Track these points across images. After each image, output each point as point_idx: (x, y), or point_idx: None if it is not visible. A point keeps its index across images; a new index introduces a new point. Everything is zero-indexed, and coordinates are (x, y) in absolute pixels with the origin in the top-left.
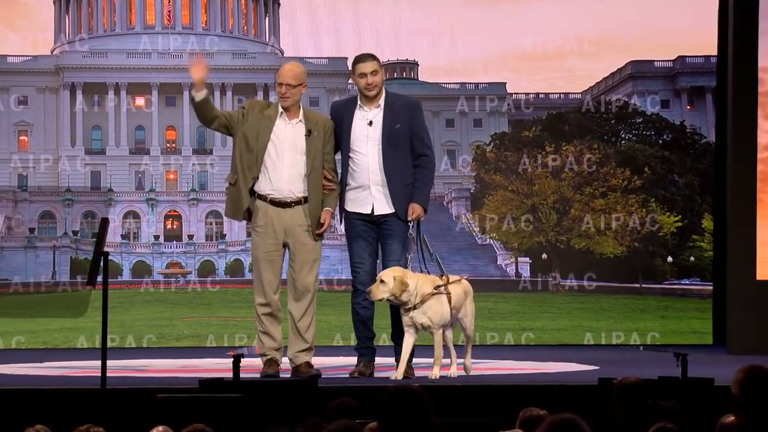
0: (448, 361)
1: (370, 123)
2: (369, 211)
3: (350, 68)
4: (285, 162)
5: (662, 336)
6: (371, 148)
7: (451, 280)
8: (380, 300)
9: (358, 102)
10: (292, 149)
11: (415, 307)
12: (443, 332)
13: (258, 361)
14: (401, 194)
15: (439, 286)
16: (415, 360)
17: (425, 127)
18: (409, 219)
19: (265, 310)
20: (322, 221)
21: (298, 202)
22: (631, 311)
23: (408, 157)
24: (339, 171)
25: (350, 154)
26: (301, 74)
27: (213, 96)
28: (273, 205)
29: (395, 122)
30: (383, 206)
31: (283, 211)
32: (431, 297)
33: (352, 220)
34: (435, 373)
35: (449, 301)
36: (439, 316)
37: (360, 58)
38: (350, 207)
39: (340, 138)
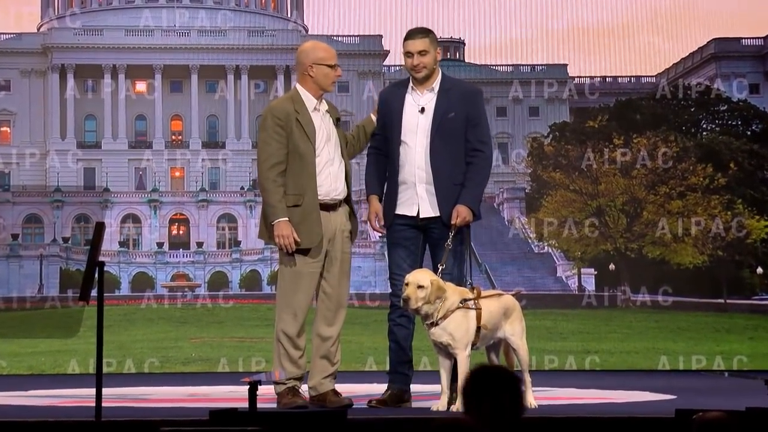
0: None
1: (422, 110)
2: (414, 213)
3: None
4: (329, 158)
5: (751, 360)
6: (420, 140)
7: (485, 294)
8: (417, 309)
9: (410, 84)
10: (330, 143)
11: (437, 323)
12: (491, 356)
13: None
14: (449, 195)
15: (466, 300)
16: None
17: (485, 119)
18: (453, 223)
19: (295, 341)
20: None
21: (340, 204)
22: (714, 331)
23: (461, 152)
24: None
25: (399, 147)
26: None
27: (226, 80)
28: (321, 209)
29: (449, 110)
30: (429, 208)
31: (328, 214)
32: (455, 311)
33: (395, 224)
34: (459, 405)
35: (478, 318)
36: (463, 333)
37: (409, 34)
38: (391, 208)
39: (390, 127)
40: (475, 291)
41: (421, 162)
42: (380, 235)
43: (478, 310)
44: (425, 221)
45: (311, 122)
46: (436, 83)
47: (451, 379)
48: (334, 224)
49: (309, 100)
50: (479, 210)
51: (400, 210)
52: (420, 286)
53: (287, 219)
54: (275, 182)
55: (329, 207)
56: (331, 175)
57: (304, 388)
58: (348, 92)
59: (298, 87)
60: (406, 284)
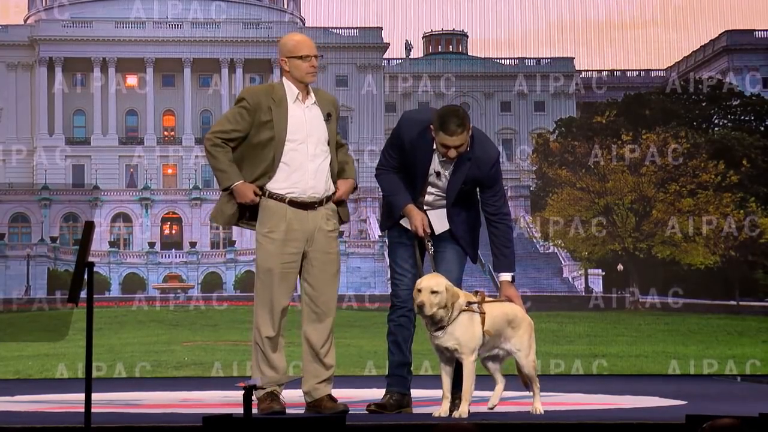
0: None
1: (438, 174)
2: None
3: (432, 127)
4: (307, 154)
5: (764, 364)
6: (432, 191)
7: (489, 299)
8: (432, 315)
9: (434, 146)
10: (312, 138)
11: (444, 327)
12: (488, 364)
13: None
14: (463, 231)
15: (471, 303)
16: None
17: (500, 182)
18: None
19: (272, 343)
20: (336, 190)
21: (320, 203)
22: (726, 334)
23: (472, 207)
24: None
25: (412, 187)
26: None
27: (220, 74)
28: (293, 207)
29: (465, 182)
30: (439, 226)
31: (306, 213)
32: (461, 315)
33: (398, 224)
34: (463, 410)
35: (482, 323)
36: (469, 338)
37: (446, 127)
38: (396, 217)
39: (412, 170)
40: (479, 295)
41: (430, 203)
42: (380, 235)
43: (482, 314)
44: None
45: (285, 114)
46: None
47: (453, 385)
48: (312, 224)
49: (291, 91)
50: (515, 269)
51: (406, 223)
52: (434, 292)
53: (243, 180)
54: (218, 146)
55: (306, 205)
56: (308, 171)
57: (298, 393)
58: (347, 86)
59: (284, 78)
60: (419, 290)
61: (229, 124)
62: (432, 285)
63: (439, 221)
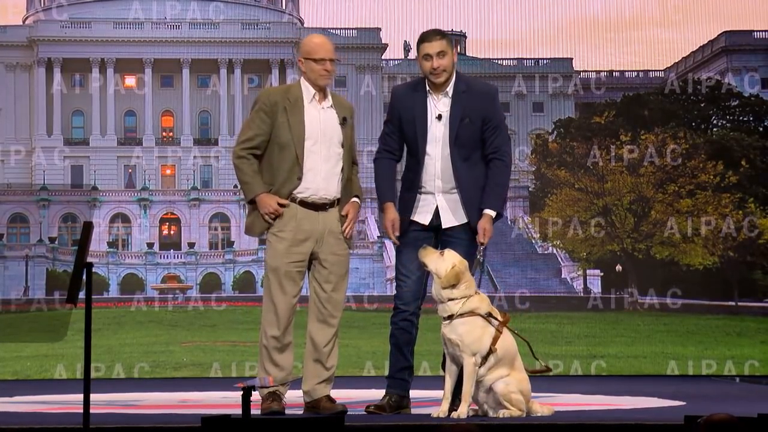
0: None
1: (439, 117)
2: (427, 222)
3: (415, 49)
4: (320, 155)
5: (763, 365)
6: (438, 149)
7: (511, 328)
8: (425, 264)
9: (427, 87)
10: (326, 140)
11: (452, 318)
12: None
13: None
14: (476, 200)
15: (492, 316)
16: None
17: (500, 117)
18: (481, 242)
19: (278, 342)
20: (344, 213)
21: (331, 205)
22: (725, 335)
23: (480, 154)
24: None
25: (418, 156)
26: None
27: (219, 75)
28: (303, 207)
29: (465, 116)
30: (451, 217)
31: (316, 214)
32: (476, 318)
33: (406, 226)
34: (462, 411)
35: (494, 340)
36: (473, 339)
37: (424, 36)
38: (406, 214)
39: (412, 134)
40: (504, 317)
41: (440, 172)
42: (378, 235)
43: (498, 332)
44: (440, 226)
45: (301, 115)
46: (451, 87)
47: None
48: (323, 225)
49: (307, 91)
50: (503, 210)
51: (414, 218)
52: (442, 256)
53: (267, 191)
54: (243, 158)
55: (317, 206)
56: (321, 173)
57: (298, 393)
58: (345, 87)
59: (301, 78)
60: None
61: (250, 130)
62: (446, 252)
63: (447, 213)
